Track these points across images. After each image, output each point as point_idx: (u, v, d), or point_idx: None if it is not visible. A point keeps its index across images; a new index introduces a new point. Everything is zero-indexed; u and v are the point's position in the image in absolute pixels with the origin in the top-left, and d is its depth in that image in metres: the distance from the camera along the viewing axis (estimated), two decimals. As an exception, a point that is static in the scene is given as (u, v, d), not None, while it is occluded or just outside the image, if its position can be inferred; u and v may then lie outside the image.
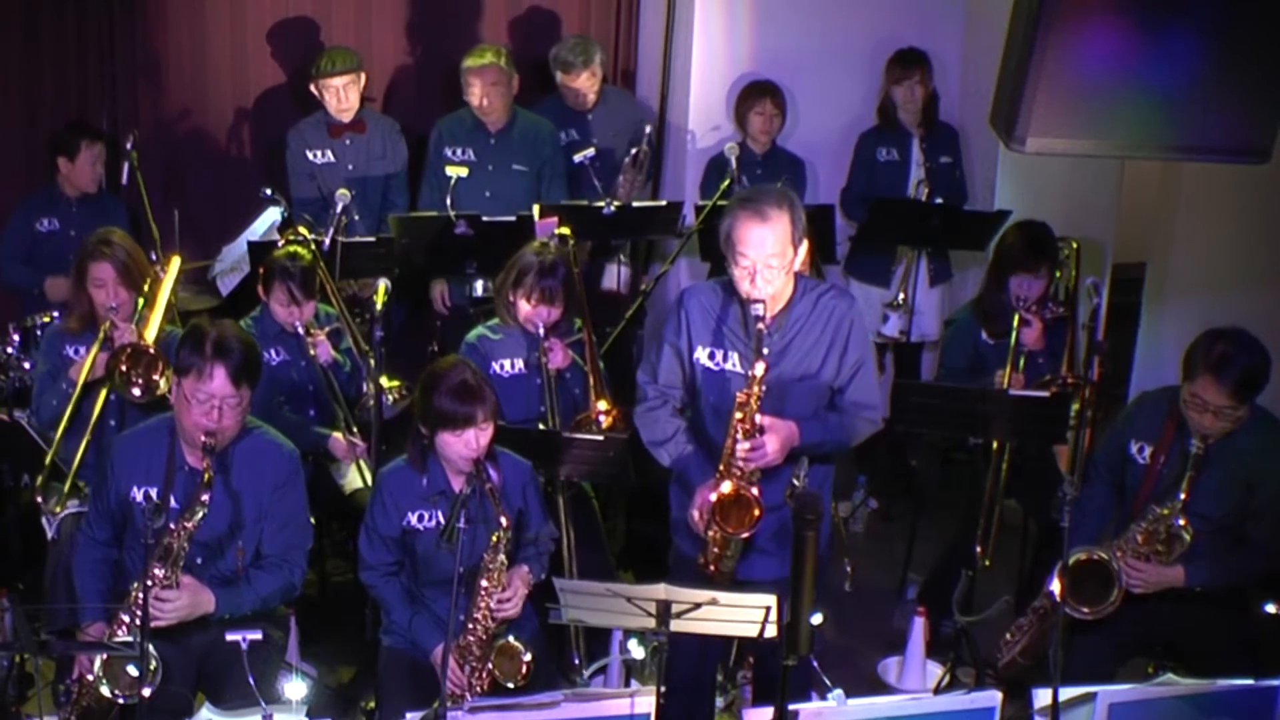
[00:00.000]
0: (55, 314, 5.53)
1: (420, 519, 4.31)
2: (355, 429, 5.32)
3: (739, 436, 4.05)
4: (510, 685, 4.21)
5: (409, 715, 3.66)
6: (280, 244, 5.50)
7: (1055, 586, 4.32)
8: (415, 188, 6.61)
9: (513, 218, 5.94)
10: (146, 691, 3.76)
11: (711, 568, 4.21)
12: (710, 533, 4.14)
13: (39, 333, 5.55)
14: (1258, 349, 4.38)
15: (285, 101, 6.86)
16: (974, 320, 5.66)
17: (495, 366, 5.10)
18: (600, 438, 4.92)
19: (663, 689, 3.76)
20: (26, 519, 5.26)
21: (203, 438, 4.09)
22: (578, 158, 6.61)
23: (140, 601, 3.77)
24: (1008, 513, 5.59)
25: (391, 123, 6.67)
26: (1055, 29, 3.99)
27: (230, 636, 3.88)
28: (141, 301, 5.08)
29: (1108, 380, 5.67)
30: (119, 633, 4.09)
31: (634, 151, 6.62)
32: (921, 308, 6.65)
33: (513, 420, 4.92)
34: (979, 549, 5.40)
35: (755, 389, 4.01)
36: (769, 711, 3.58)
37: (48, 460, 4.96)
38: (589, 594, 3.93)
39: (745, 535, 4.10)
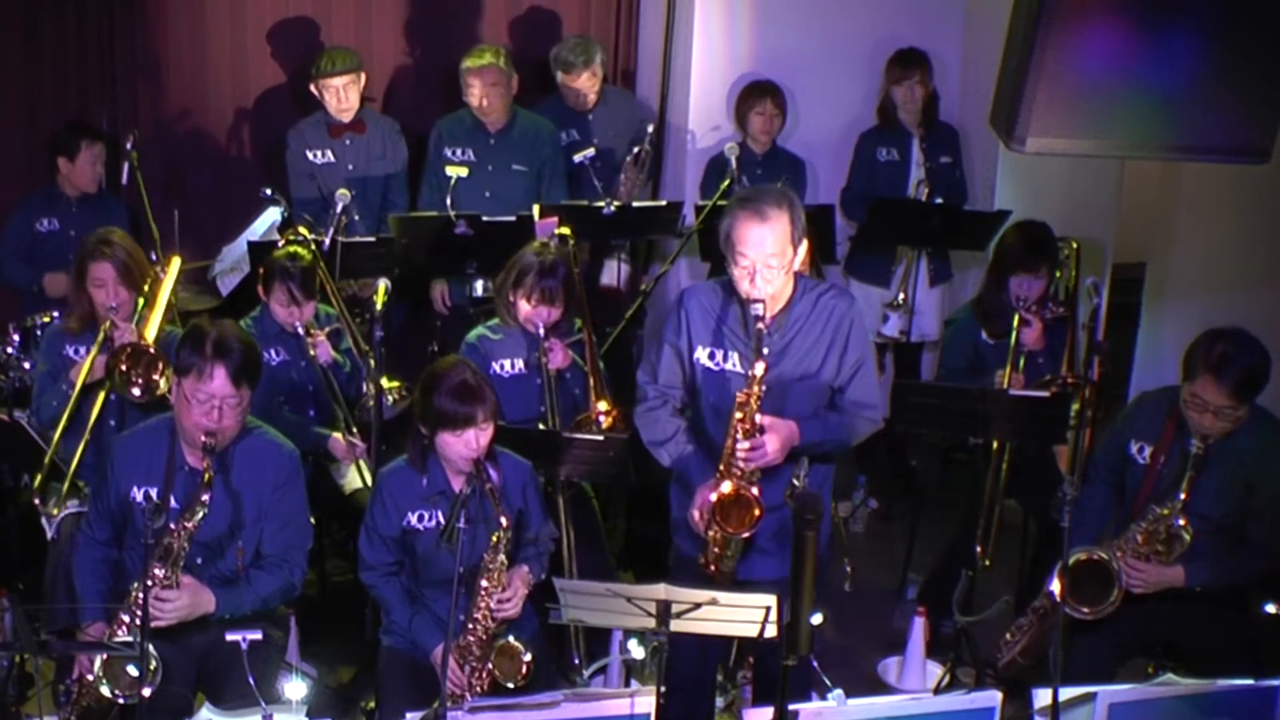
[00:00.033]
0: (55, 314, 5.53)
1: (420, 519, 4.31)
2: (355, 429, 5.32)
3: (739, 436, 4.06)
4: (510, 685, 4.21)
5: (409, 715, 3.66)
6: (280, 244, 5.50)
7: (1055, 586, 4.32)
8: (415, 188, 6.61)
9: (512, 218, 5.94)
10: (146, 691, 3.76)
11: (712, 568, 4.22)
12: (711, 533, 4.14)
13: (39, 333, 5.55)
14: (1258, 349, 4.38)
15: (285, 101, 6.86)
16: (974, 320, 5.66)
17: (495, 366, 5.10)
18: (600, 438, 4.92)
19: (663, 689, 3.76)
20: (26, 519, 5.26)
21: (203, 438, 4.09)
22: (578, 158, 6.62)
23: (140, 601, 3.77)
24: (1008, 513, 5.59)
25: (391, 123, 6.67)
26: (1055, 29, 3.99)
27: (230, 636, 3.88)
28: (141, 301, 5.08)
29: (1108, 380, 5.67)
30: (119, 633, 4.09)
31: (636, 150, 6.62)
32: (921, 308, 6.65)
33: (513, 420, 4.92)
34: (979, 549, 5.40)
35: (755, 389, 4.01)
36: (769, 711, 3.58)
37: (46, 460, 4.96)
38: (589, 594, 3.93)
39: (745, 535, 4.11)
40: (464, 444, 4.16)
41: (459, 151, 6.44)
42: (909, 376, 6.76)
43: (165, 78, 6.72)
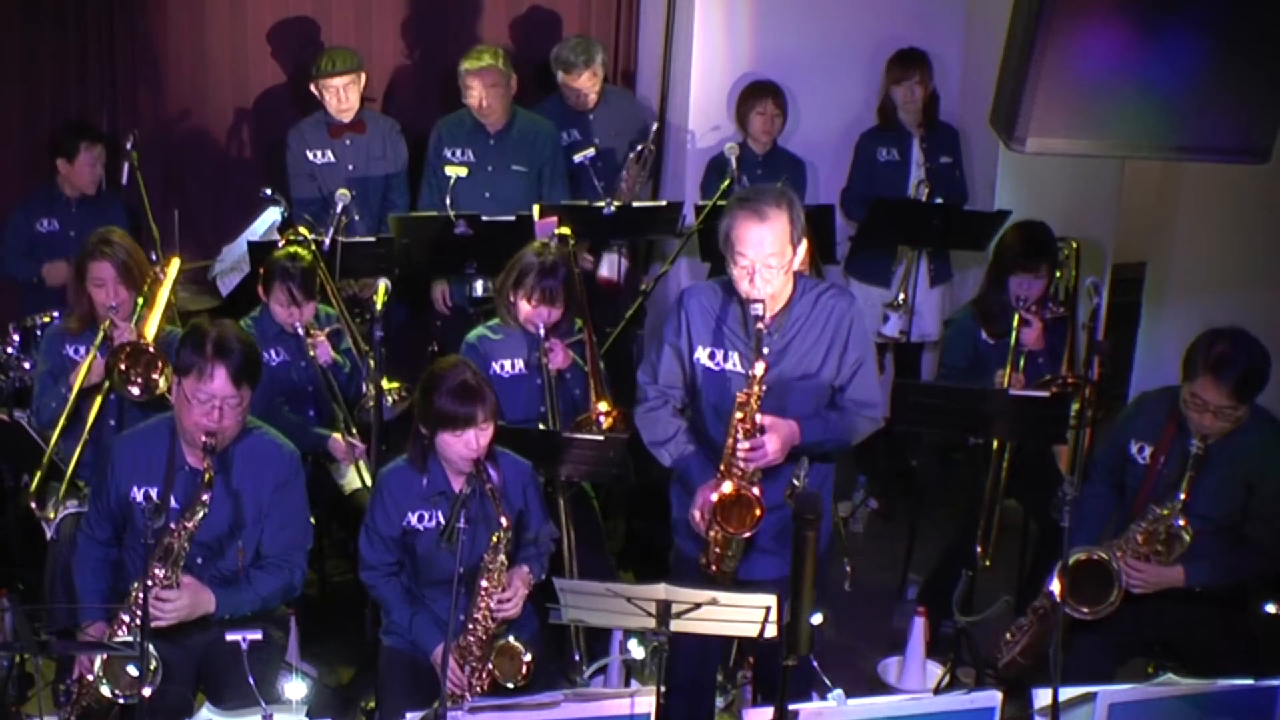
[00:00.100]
0: (55, 314, 5.53)
1: (420, 519, 4.31)
2: (355, 430, 5.32)
3: (739, 436, 4.06)
4: (510, 685, 4.21)
5: (409, 715, 3.66)
6: (280, 244, 5.50)
7: (1055, 586, 4.32)
8: (415, 188, 6.60)
9: (512, 217, 5.94)
10: (146, 691, 3.76)
11: (713, 568, 4.22)
12: (711, 533, 4.14)
13: (39, 333, 5.54)
14: (1258, 349, 4.38)
15: (285, 101, 6.86)
16: (974, 320, 5.66)
17: (495, 367, 5.10)
18: (600, 438, 4.92)
19: (663, 689, 3.76)
20: (26, 519, 5.26)
21: (203, 438, 4.09)
22: (578, 158, 6.62)
23: (140, 601, 3.77)
24: (1008, 513, 5.59)
25: (391, 123, 6.67)
26: (1055, 29, 4.00)
27: (230, 636, 3.89)
28: (141, 301, 5.08)
29: (1108, 380, 5.67)
30: (119, 633, 4.09)
31: (639, 148, 6.62)
32: (921, 308, 6.65)
33: (513, 420, 4.92)
34: (979, 549, 5.40)
35: (755, 389, 4.01)
36: (769, 711, 3.58)
37: (45, 459, 4.96)
38: (589, 594, 3.94)
39: (746, 535, 4.11)
40: (464, 444, 4.16)
41: (459, 152, 6.44)
42: (909, 376, 6.76)
43: (165, 78, 6.71)
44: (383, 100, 7.00)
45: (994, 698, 3.79)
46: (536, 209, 5.99)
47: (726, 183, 6.27)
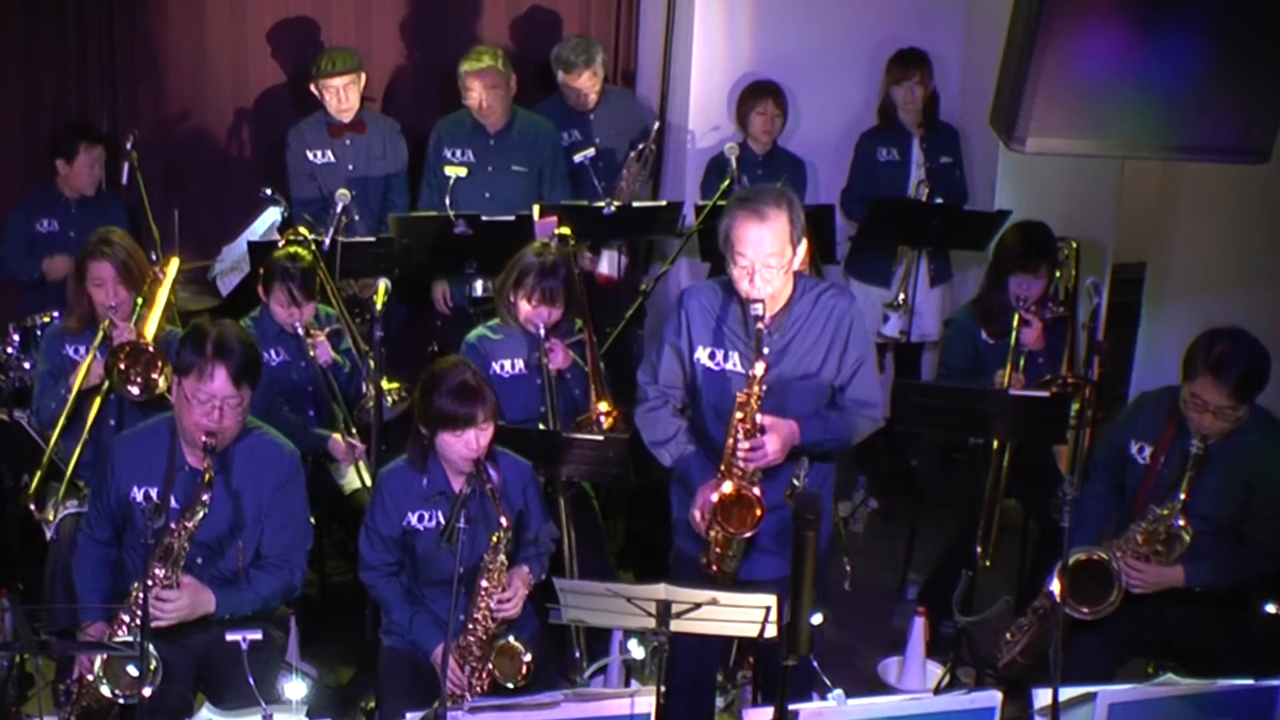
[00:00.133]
0: (55, 314, 5.53)
1: (420, 519, 4.31)
2: (355, 430, 5.32)
3: (739, 436, 4.06)
4: (510, 685, 4.21)
5: (409, 715, 3.66)
6: (280, 244, 5.50)
7: (1055, 586, 4.32)
8: (415, 188, 6.60)
9: (512, 217, 5.94)
10: (146, 691, 3.76)
11: (714, 568, 4.22)
12: (712, 533, 4.15)
13: (39, 333, 5.54)
14: (1257, 349, 4.38)
15: (285, 101, 6.86)
16: (973, 320, 5.66)
17: (495, 367, 5.10)
18: (600, 438, 4.92)
19: (663, 689, 3.76)
20: (26, 519, 5.26)
21: (203, 438, 4.09)
22: (578, 158, 6.62)
23: (140, 601, 3.77)
24: (1008, 513, 5.59)
25: (391, 123, 6.67)
26: (1055, 29, 4.00)
27: (230, 636, 3.89)
28: (140, 301, 5.08)
29: (1108, 380, 5.67)
30: (119, 633, 4.09)
31: (640, 147, 6.62)
32: (921, 308, 6.64)
33: (513, 420, 4.92)
34: (979, 549, 5.40)
35: (755, 389, 4.01)
36: (769, 711, 3.58)
37: (45, 459, 4.96)
38: (589, 594, 3.94)
39: (747, 535, 4.11)
40: (464, 444, 4.16)
41: (459, 153, 6.44)
42: (909, 376, 6.76)
43: (165, 78, 6.71)
44: (383, 100, 7.00)
45: (994, 698, 3.79)
46: (536, 209, 6.00)
47: (726, 183, 6.27)
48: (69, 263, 5.41)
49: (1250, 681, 3.89)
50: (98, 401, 5.03)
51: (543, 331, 5.06)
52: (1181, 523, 4.40)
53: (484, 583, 4.20)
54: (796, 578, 3.49)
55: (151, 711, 3.83)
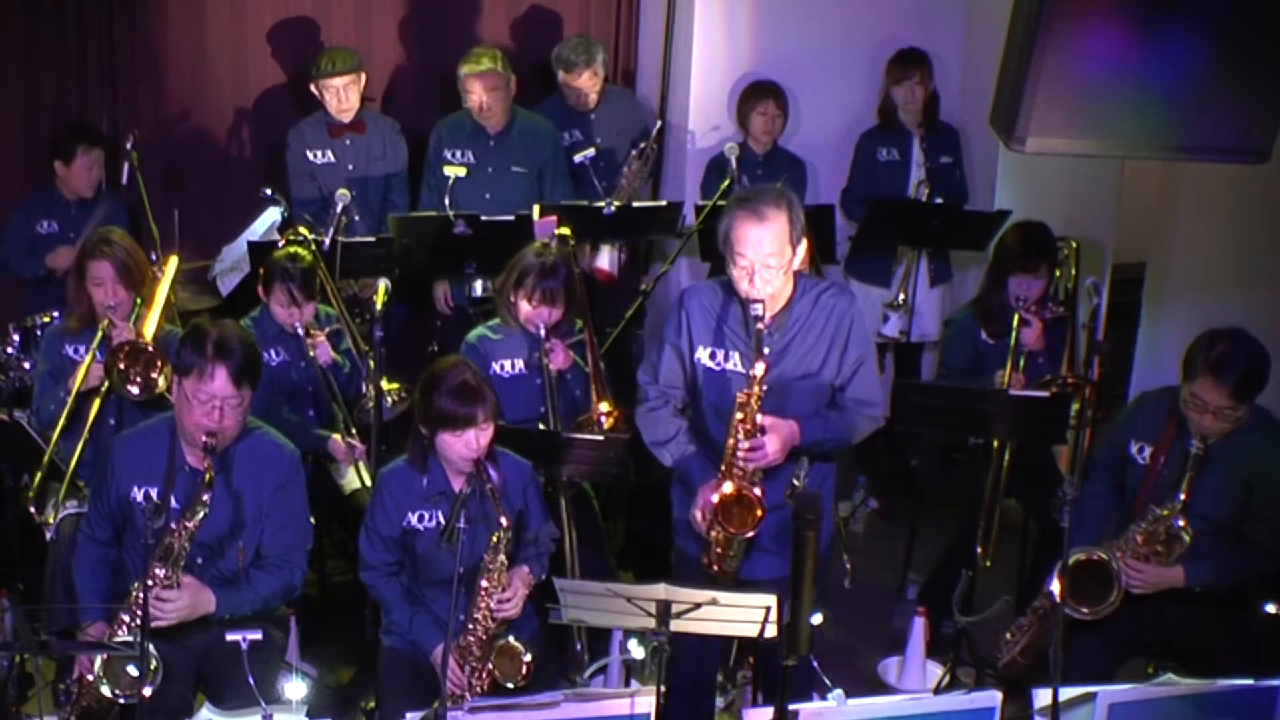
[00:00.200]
0: (55, 314, 5.53)
1: (420, 519, 4.31)
2: (355, 431, 5.32)
3: (740, 436, 4.06)
4: (510, 685, 4.21)
5: (409, 715, 3.66)
6: (280, 244, 5.50)
7: (1055, 586, 4.32)
8: (415, 188, 6.60)
9: (511, 217, 5.94)
10: (147, 691, 3.76)
11: (715, 568, 4.22)
12: (713, 533, 4.15)
13: (39, 333, 5.54)
14: (1257, 349, 4.38)
15: (285, 101, 6.85)
16: (973, 320, 5.66)
17: (495, 367, 5.10)
18: (600, 438, 4.92)
19: (663, 689, 3.76)
20: (27, 519, 5.26)
21: (203, 438, 4.09)
22: (578, 158, 6.62)
23: (140, 601, 3.77)
24: (1008, 513, 5.59)
25: (392, 123, 6.67)
26: (1055, 29, 4.00)
27: (230, 636, 3.89)
28: (140, 300, 5.08)
29: (1108, 380, 5.67)
30: (119, 633, 4.09)
31: (641, 146, 6.62)
32: (921, 308, 6.64)
33: (513, 420, 4.92)
34: (979, 549, 5.40)
35: (756, 389, 4.01)
36: (769, 711, 3.58)
37: (45, 459, 4.96)
38: (589, 594, 3.94)
39: (748, 535, 4.11)
40: (464, 444, 4.16)
41: (458, 154, 6.44)
42: (909, 376, 6.76)
43: (165, 78, 6.71)
44: (382, 100, 7.00)
45: (994, 698, 3.79)
46: (536, 209, 6.00)
47: (726, 183, 6.27)
48: (72, 253, 5.41)
49: (1250, 681, 3.89)
50: (97, 401, 5.03)
51: (543, 332, 5.06)
52: (1181, 523, 4.40)
53: (484, 583, 4.20)
54: (796, 578, 3.49)
55: (151, 711, 3.83)
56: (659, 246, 7.06)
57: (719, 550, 4.19)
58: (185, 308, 6.00)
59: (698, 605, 3.78)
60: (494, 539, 4.15)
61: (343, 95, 6.40)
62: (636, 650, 4.87)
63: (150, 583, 3.99)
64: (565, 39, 6.88)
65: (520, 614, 4.30)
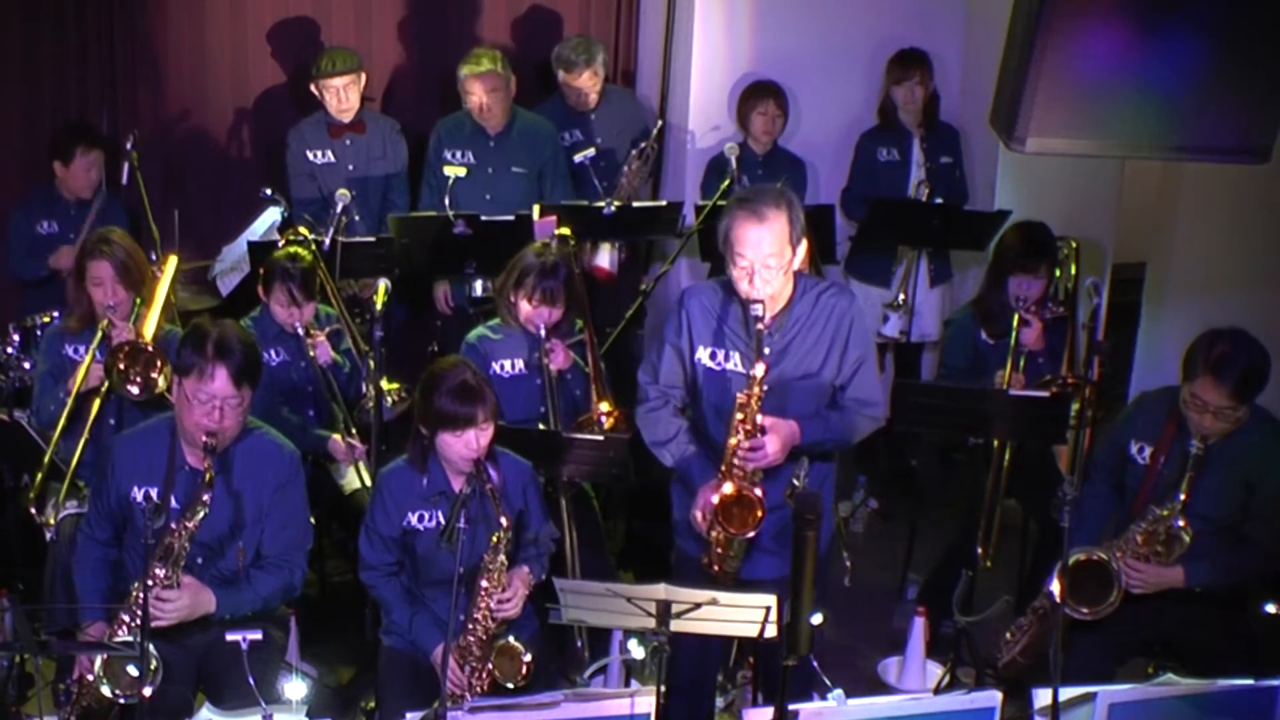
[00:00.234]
0: (55, 314, 5.53)
1: (420, 519, 4.31)
2: (355, 430, 5.32)
3: (740, 436, 4.06)
4: (510, 685, 4.21)
5: (409, 715, 3.66)
6: (280, 244, 5.50)
7: (1055, 586, 4.32)
8: (415, 188, 6.60)
9: (511, 217, 5.94)
10: (147, 691, 3.76)
11: (715, 568, 4.22)
12: (713, 533, 4.15)
13: (39, 333, 5.54)
14: (1257, 349, 4.38)
15: (285, 101, 6.85)
16: (973, 320, 5.66)
17: (495, 367, 5.10)
18: (601, 438, 4.92)
19: (663, 689, 3.76)
20: (27, 519, 5.26)
21: (204, 438, 4.09)
22: (578, 158, 6.62)
23: (140, 601, 3.77)
24: (1008, 513, 5.59)
25: (392, 123, 6.67)
26: (1055, 29, 3.99)
27: (230, 636, 3.89)
28: (139, 300, 5.08)
29: (1108, 380, 5.67)
30: (119, 633, 4.09)
31: (642, 145, 6.62)
32: (921, 308, 6.65)
33: (513, 420, 4.92)
34: (979, 549, 5.40)
35: (756, 389, 4.01)
36: (769, 711, 3.58)
37: (45, 459, 4.96)
38: (589, 594, 3.94)
39: (748, 535, 4.11)
40: (464, 444, 4.16)
41: (458, 154, 6.44)
42: (909, 376, 6.76)
43: (165, 78, 6.71)
44: (382, 100, 7.00)
45: (994, 698, 3.79)
46: (536, 209, 6.00)
47: (726, 183, 6.27)
48: (74, 251, 5.41)
49: (1250, 681, 3.89)
50: (98, 402, 5.03)
51: (543, 332, 5.06)
52: (1181, 523, 4.40)
53: (484, 583, 4.20)
54: (796, 578, 3.49)
55: (151, 711, 3.83)
56: (659, 246, 7.06)
57: (719, 550, 4.19)
58: (185, 308, 6.00)
59: (698, 605, 3.78)
60: (494, 539, 4.15)
61: (343, 95, 6.40)
62: (636, 650, 4.87)
63: (150, 583, 3.99)
64: (565, 39, 6.88)
65: (520, 614, 4.30)
